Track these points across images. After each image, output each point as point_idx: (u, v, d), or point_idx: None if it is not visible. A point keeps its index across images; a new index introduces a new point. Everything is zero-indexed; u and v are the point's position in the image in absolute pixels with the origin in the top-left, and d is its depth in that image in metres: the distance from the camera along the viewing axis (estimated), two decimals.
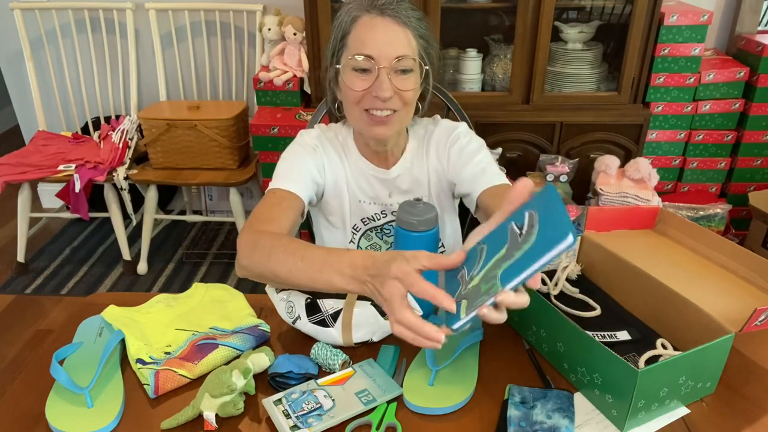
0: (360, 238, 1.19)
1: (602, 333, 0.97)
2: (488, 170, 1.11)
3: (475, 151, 1.14)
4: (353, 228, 1.19)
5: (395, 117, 1.05)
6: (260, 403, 0.87)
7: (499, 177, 1.10)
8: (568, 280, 1.10)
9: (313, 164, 1.12)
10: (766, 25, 2.55)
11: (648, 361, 0.90)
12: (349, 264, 0.80)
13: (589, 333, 0.89)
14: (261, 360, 0.91)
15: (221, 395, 0.84)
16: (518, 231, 0.69)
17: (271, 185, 1.08)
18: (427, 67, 1.05)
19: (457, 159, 1.15)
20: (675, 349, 0.93)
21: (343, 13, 1.04)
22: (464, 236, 1.34)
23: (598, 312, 1.03)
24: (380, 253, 0.79)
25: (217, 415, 0.84)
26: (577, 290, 1.08)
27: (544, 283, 1.09)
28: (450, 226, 1.24)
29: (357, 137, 1.16)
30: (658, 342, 0.94)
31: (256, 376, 0.91)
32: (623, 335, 0.97)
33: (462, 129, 1.18)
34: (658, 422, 0.85)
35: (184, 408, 0.85)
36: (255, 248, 0.92)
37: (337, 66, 1.05)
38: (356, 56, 1.01)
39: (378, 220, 1.19)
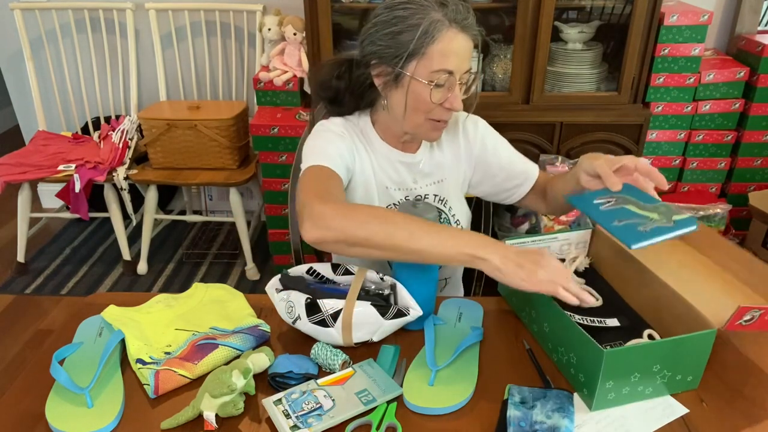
0: None
1: (591, 318, 0.98)
2: (520, 160, 1.24)
3: (501, 146, 1.24)
4: None
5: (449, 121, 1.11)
6: (260, 403, 0.87)
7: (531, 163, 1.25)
8: (576, 271, 1.11)
9: (346, 148, 1.12)
10: (766, 25, 2.55)
11: None
12: (475, 237, 0.90)
13: (577, 317, 0.91)
14: (261, 360, 0.91)
15: (221, 395, 0.84)
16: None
17: (312, 162, 1.05)
18: (475, 73, 1.08)
19: (482, 151, 1.23)
20: None
21: (422, 17, 1.00)
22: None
23: (599, 302, 1.04)
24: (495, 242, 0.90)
25: (217, 416, 0.84)
26: (583, 281, 1.10)
27: None
28: (463, 208, 1.28)
29: (385, 127, 1.16)
30: (645, 332, 0.95)
31: (256, 376, 0.91)
32: (612, 322, 0.99)
33: (480, 125, 1.25)
34: (655, 419, 0.85)
35: (184, 408, 0.85)
36: (358, 211, 0.93)
37: (404, 72, 1.02)
38: (440, 72, 1.01)
39: None
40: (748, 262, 1.04)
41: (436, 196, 1.22)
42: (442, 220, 1.23)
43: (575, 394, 0.89)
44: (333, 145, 1.10)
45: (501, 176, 1.24)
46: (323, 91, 1.17)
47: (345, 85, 1.14)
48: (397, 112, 1.09)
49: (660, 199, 0.90)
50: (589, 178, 0.98)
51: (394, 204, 1.20)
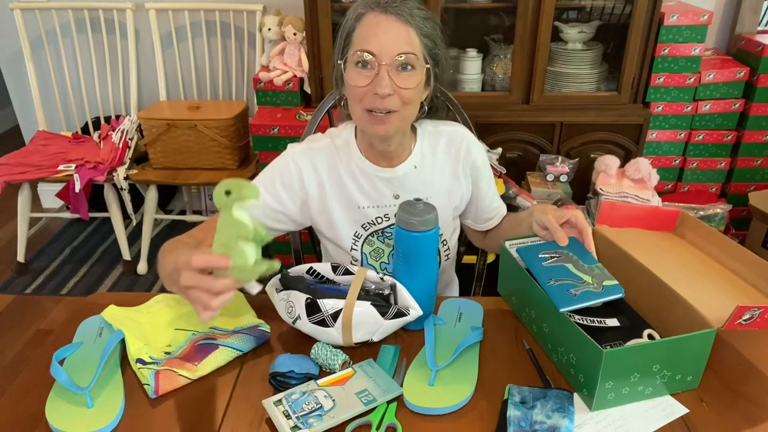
0: (362, 244, 1.19)
1: (591, 318, 0.98)
2: (497, 195, 1.28)
3: (490, 177, 1.25)
4: (354, 235, 1.18)
5: (395, 116, 1.04)
6: (260, 404, 0.87)
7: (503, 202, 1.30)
8: None
9: (284, 189, 1.13)
10: (766, 25, 2.55)
11: None
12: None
13: (577, 317, 0.92)
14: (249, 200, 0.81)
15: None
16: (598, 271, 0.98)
17: None
18: (428, 66, 1.05)
19: (476, 179, 1.23)
20: None
21: (350, 11, 1.05)
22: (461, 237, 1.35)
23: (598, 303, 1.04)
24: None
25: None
26: None
27: None
28: (450, 227, 1.25)
29: (360, 138, 1.15)
30: (645, 332, 0.95)
31: (254, 376, 0.91)
32: (612, 322, 0.99)
33: (481, 149, 1.23)
34: (655, 419, 0.85)
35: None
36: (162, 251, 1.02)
37: (340, 62, 1.06)
38: (358, 52, 1.01)
39: (380, 223, 1.18)
40: (749, 259, 1.04)
41: None
42: None
43: (575, 394, 0.89)
44: (264, 188, 1.13)
45: (481, 206, 1.26)
46: (338, 100, 1.18)
47: (339, 92, 1.14)
48: (350, 110, 1.09)
49: (597, 260, 1.00)
50: (540, 228, 1.06)
51: (369, 222, 1.17)
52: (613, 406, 0.87)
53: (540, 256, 1.03)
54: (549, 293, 0.94)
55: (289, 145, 1.17)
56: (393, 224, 1.17)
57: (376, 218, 1.17)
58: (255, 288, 0.81)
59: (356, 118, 1.09)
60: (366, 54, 1.01)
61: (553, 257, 1.01)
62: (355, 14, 1.04)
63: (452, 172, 1.20)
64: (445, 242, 1.24)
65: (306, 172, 1.14)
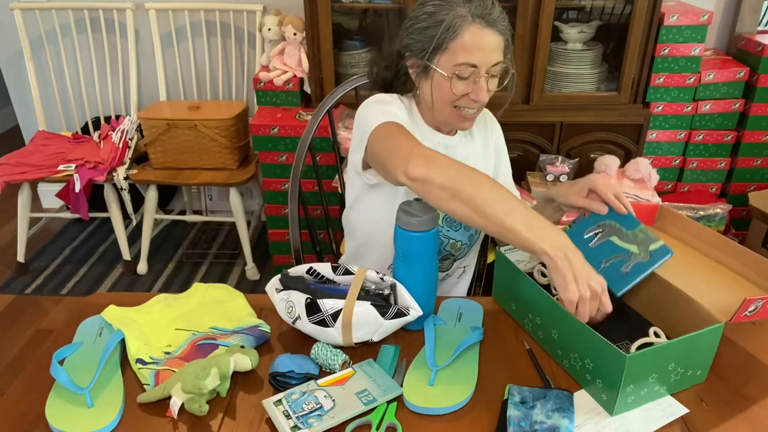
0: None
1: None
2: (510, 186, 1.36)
3: (507, 159, 1.35)
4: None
5: (479, 112, 1.16)
6: (260, 404, 0.87)
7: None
8: None
9: (407, 119, 1.15)
10: (766, 25, 2.55)
11: (639, 349, 0.91)
12: (553, 235, 0.90)
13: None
14: (243, 362, 0.91)
15: (189, 392, 0.84)
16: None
17: (384, 119, 1.07)
18: (510, 67, 1.12)
19: (497, 158, 1.32)
20: (667, 337, 0.94)
21: (447, 13, 1.06)
22: None
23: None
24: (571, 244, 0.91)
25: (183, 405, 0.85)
26: None
27: (543, 275, 1.10)
28: None
29: (425, 110, 1.20)
30: (651, 330, 0.95)
31: (254, 376, 0.91)
32: (614, 323, 0.98)
33: (499, 126, 1.34)
34: (655, 419, 0.85)
35: (157, 386, 0.87)
36: (470, 169, 0.96)
37: (431, 64, 1.09)
38: (463, 65, 1.06)
39: None
40: (732, 249, 1.04)
41: None
42: None
43: (575, 394, 0.89)
44: (401, 111, 1.15)
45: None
46: (377, 84, 1.24)
47: (392, 74, 1.20)
48: (427, 102, 1.16)
49: (635, 216, 1.01)
50: (575, 212, 1.11)
51: None
52: (632, 408, 0.86)
53: (585, 236, 1.04)
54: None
55: (378, 95, 1.18)
56: None
57: None
58: (175, 408, 0.85)
59: (441, 114, 1.16)
60: (470, 67, 1.07)
61: (597, 233, 1.03)
62: (456, 20, 1.05)
63: (484, 142, 1.30)
64: (438, 239, 1.25)
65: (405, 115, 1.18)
